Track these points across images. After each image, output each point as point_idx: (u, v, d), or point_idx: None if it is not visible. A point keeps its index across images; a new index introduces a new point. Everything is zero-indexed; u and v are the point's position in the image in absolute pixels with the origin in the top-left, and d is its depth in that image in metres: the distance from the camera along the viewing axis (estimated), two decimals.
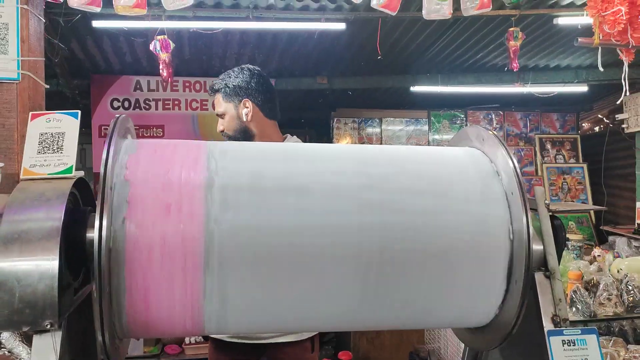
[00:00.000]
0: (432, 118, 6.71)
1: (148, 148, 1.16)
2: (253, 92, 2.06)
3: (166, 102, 5.21)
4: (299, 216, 1.07)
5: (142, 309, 1.05)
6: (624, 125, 5.59)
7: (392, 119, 6.67)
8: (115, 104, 5.18)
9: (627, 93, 2.34)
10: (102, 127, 5.17)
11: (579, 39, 2.29)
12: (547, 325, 1.20)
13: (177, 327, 1.11)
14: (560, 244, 1.29)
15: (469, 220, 1.15)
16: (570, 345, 1.19)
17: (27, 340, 1.35)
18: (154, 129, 5.16)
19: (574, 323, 1.23)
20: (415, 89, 5.54)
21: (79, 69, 5.01)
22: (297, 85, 5.46)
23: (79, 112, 1.24)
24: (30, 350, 1.28)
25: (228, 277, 1.04)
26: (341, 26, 3.65)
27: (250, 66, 2.14)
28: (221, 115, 2.08)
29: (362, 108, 6.56)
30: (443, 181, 1.19)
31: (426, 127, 6.69)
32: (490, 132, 1.30)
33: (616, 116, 5.74)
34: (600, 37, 2.09)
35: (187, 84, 5.27)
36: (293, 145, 1.27)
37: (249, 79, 2.07)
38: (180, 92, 5.25)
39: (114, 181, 1.05)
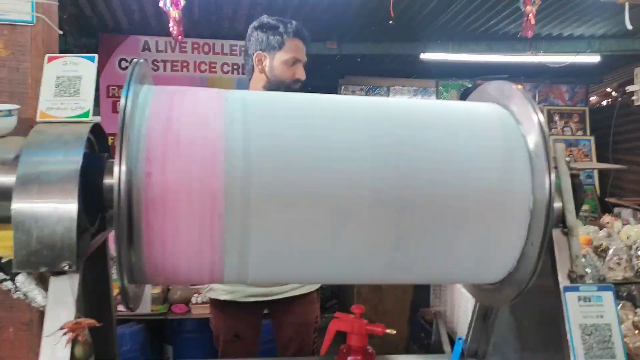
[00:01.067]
0: (440, 88, 6.65)
1: (167, 94, 1.14)
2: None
3: (174, 63, 5.16)
4: (319, 163, 1.06)
5: (161, 255, 1.05)
6: (634, 97, 5.53)
7: (400, 87, 6.61)
8: (124, 64, 5.12)
9: None
10: (110, 87, 5.13)
11: None
12: (563, 281, 1.20)
13: (196, 275, 1.10)
14: (579, 202, 1.28)
15: (490, 175, 1.14)
16: (586, 302, 1.19)
17: (43, 283, 1.35)
18: None
19: (579, 277, 1.23)
20: (425, 56, 5.46)
21: (87, 28, 4.95)
22: (307, 50, 5.38)
23: (96, 55, 1.22)
24: (46, 293, 1.28)
25: (249, 223, 1.03)
26: None
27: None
28: (304, 65, 2.04)
29: (370, 76, 6.49)
30: (465, 137, 1.17)
31: (434, 97, 6.64)
32: (515, 87, 1.27)
33: (626, 88, 5.67)
34: None
35: (196, 46, 5.20)
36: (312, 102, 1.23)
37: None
38: (188, 53, 5.18)
39: (133, 127, 1.03)
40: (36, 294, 1.25)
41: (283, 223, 1.06)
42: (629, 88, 5.50)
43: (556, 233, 1.21)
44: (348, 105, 1.19)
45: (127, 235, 0.99)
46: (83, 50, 4.96)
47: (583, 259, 2.18)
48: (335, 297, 5.37)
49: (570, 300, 1.19)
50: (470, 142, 1.15)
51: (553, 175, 1.12)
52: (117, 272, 1.02)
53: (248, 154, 1.03)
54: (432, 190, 1.09)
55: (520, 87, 1.28)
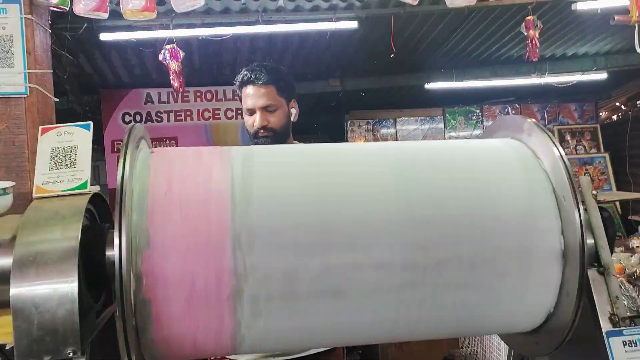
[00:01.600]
0: (448, 115, 6.61)
1: (166, 159, 1.09)
2: (296, 93, 2.00)
3: (178, 113, 5.19)
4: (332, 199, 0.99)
5: (170, 333, 0.98)
6: None
7: (406, 118, 6.59)
8: (127, 118, 5.16)
9: None
10: (115, 143, 5.16)
11: (616, 17, 2.18)
12: (605, 325, 1.11)
13: (210, 350, 1.03)
14: (611, 237, 1.19)
15: (516, 219, 1.07)
16: (632, 347, 1.10)
17: None
18: (167, 141, 5.14)
19: (622, 320, 1.14)
20: (430, 85, 5.45)
21: (89, 85, 5.01)
22: (311, 89, 5.41)
23: (91, 123, 1.17)
24: None
25: (259, 295, 0.96)
26: (353, 25, 3.58)
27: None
28: (269, 109, 1.91)
29: (376, 109, 6.49)
30: (487, 180, 1.11)
31: (442, 125, 6.60)
32: (531, 121, 1.21)
33: (637, 102, 5.60)
34: (637, 15, 1.98)
35: (199, 94, 5.24)
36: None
37: (292, 79, 2.00)
38: (191, 102, 5.22)
39: (132, 197, 0.97)
40: None
41: (294, 291, 0.98)
42: None
43: (592, 273, 1.12)
44: (369, 157, 1.13)
45: (132, 312, 0.92)
46: (86, 108, 5.02)
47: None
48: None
49: (615, 346, 1.10)
50: (493, 186, 1.08)
51: (582, 212, 1.04)
52: (121, 350, 0.95)
53: (253, 198, 0.97)
54: (459, 242, 1.02)
55: (535, 121, 1.22)
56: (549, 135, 1.15)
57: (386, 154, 1.14)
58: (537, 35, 3.26)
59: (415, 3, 2.17)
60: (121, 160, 0.99)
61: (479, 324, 1.16)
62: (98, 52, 4.16)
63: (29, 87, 1.20)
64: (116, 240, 0.90)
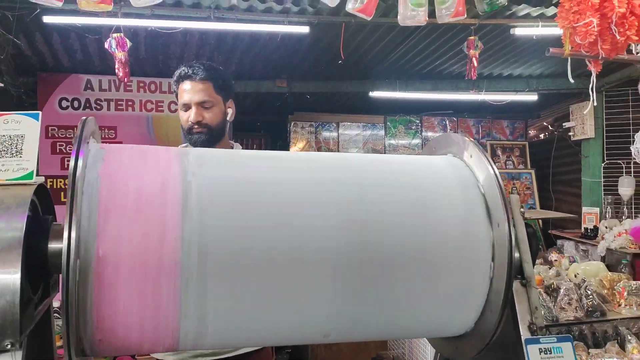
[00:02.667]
0: (389, 123, 6.78)
1: (119, 154, 1.09)
2: (233, 93, 2.00)
3: (119, 102, 5.03)
4: (278, 221, 1.03)
5: (112, 325, 0.98)
6: (570, 133, 5.82)
7: (349, 123, 6.71)
8: (64, 103, 4.96)
9: (595, 102, 2.40)
10: (50, 128, 4.94)
11: (550, 49, 2.34)
12: (525, 333, 1.20)
13: (150, 344, 1.04)
14: (534, 251, 1.30)
15: (451, 230, 1.14)
16: (547, 354, 1.20)
17: None
18: (106, 130, 4.97)
19: (540, 329, 1.25)
20: (374, 94, 5.58)
21: (26, 67, 4.77)
22: (257, 88, 5.40)
23: (40, 113, 1.15)
24: None
25: (206, 290, 0.99)
26: (305, 29, 3.62)
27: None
28: (205, 105, 1.89)
29: (320, 112, 6.56)
30: (423, 191, 1.18)
31: (382, 132, 6.77)
32: (469, 140, 1.30)
33: (563, 124, 5.97)
34: (570, 48, 2.14)
35: (142, 84, 5.11)
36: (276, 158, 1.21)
37: (230, 79, 2.00)
38: (134, 92, 5.08)
39: (84, 189, 0.97)
40: None
41: (240, 288, 1.01)
42: (566, 124, 5.80)
43: (515, 285, 1.21)
44: (309, 164, 1.18)
45: (76, 304, 0.92)
46: (21, 90, 4.79)
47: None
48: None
49: (532, 352, 1.19)
50: (432, 197, 1.16)
51: (512, 227, 1.13)
52: (64, 345, 0.95)
53: (205, 219, 0.99)
54: (395, 247, 1.08)
55: (474, 141, 1.31)
56: (484, 155, 1.23)
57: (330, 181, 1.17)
58: (477, 55, 3.43)
59: (370, 18, 2.24)
60: (74, 154, 0.99)
61: (411, 328, 1.23)
62: (39, 34, 3.98)
63: None
64: (65, 233, 0.90)
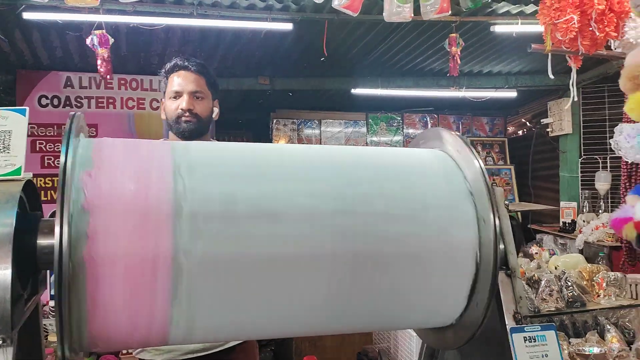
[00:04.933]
0: (370, 120, 6.82)
1: (108, 148, 1.09)
2: (219, 94, 2.04)
3: (100, 100, 4.98)
4: (268, 214, 1.04)
5: (103, 319, 0.98)
6: (548, 129, 5.92)
7: (331, 120, 6.73)
8: (44, 101, 4.89)
9: (575, 97, 2.45)
10: (29, 126, 4.86)
11: (532, 45, 2.38)
12: (510, 322, 1.23)
13: (140, 339, 1.05)
14: (518, 242, 1.33)
15: (437, 221, 1.16)
16: (531, 342, 1.23)
17: None
18: (87, 128, 4.90)
19: (524, 318, 1.28)
20: (356, 91, 5.61)
21: (4, 64, 4.69)
22: (239, 86, 5.38)
23: (27, 108, 1.15)
24: None
25: (197, 284, 0.99)
26: (288, 26, 3.63)
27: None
28: (197, 95, 1.91)
29: (302, 110, 6.57)
30: (410, 184, 1.20)
31: (364, 129, 6.80)
32: (454, 134, 1.32)
33: (541, 120, 6.07)
34: (551, 45, 2.19)
35: (123, 82, 5.06)
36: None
37: (217, 80, 2.04)
38: (115, 89, 5.02)
39: (73, 185, 0.97)
40: None
41: (231, 281, 1.02)
42: (544, 121, 5.89)
43: (500, 275, 1.24)
44: (300, 156, 1.19)
45: (68, 301, 0.92)
46: None
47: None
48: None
49: (516, 341, 1.22)
50: (419, 190, 1.17)
51: (497, 219, 1.16)
52: (57, 341, 0.95)
53: (196, 212, 1.00)
54: (382, 240, 1.10)
55: (459, 134, 1.33)
56: (470, 148, 1.26)
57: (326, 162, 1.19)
58: (459, 52, 3.47)
59: (356, 14, 2.26)
60: (63, 149, 0.98)
61: (399, 319, 1.25)
62: (18, 30, 3.91)
63: None
64: (57, 228, 0.90)
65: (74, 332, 0.96)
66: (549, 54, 2.29)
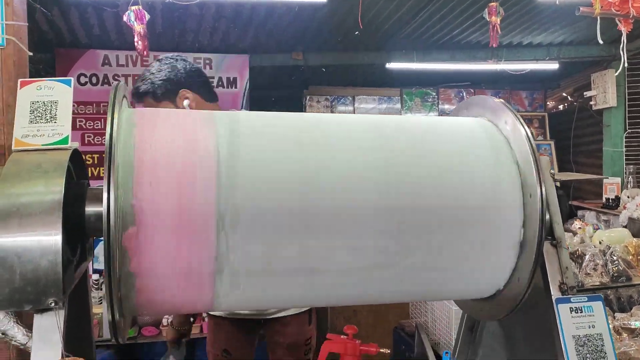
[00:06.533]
0: (405, 96, 6.72)
1: (152, 117, 1.11)
2: (186, 79, 1.83)
3: (136, 78, 5.04)
4: (314, 178, 1.04)
5: (152, 285, 1.00)
6: (591, 102, 5.73)
7: (364, 96, 6.66)
8: (82, 79, 4.98)
9: (626, 64, 2.35)
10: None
11: (580, 9, 2.27)
12: (555, 293, 1.21)
13: (188, 304, 1.07)
14: (564, 213, 1.29)
15: (481, 190, 1.14)
16: (577, 313, 1.20)
17: (22, 320, 1.28)
18: None
19: (570, 288, 1.25)
20: (391, 65, 5.52)
21: (43, 43, 4.79)
22: (272, 62, 5.37)
23: (72, 78, 1.17)
24: (25, 331, 1.22)
25: (242, 248, 1.00)
26: (322, 0, 3.57)
27: (169, 54, 1.92)
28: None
29: (335, 86, 6.52)
30: (454, 153, 1.17)
31: (398, 105, 6.71)
32: (498, 101, 1.29)
33: (584, 93, 5.87)
34: (600, 7, 2.09)
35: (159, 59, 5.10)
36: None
37: (176, 67, 1.84)
38: None
39: (120, 153, 0.99)
40: (16, 332, 1.18)
41: (276, 248, 1.03)
42: (587, 93, 5.70)
43: (546, 245, 1.21)
44: (345, 125, 1.17)
45: (118, 266, 0.94)
46: (39, 66, 4.81)
47: None
48: None
49: (562, 312, 1.20)
50: (465, 159, 1.15)
51: (544, 188, 1.13)
52: (107, 306, 0.97)
53: (238, 178, 1.00)
54: (428, 209, 1.08)
55: (504, 102, 1.29)
56: (516, 116, 1.22)
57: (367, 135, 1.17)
58: (498, 22, 3.36)
59: None
60: (109, 119, 1.00)
61: (443, 290, 1.24)
62: (57, 8, 3.98)
63: (6, 38, 1.17)
64: (105, 195, 0.92)
65: (122, 297, 0.99)
66: (597, 18, 2.19)
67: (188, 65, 1.88)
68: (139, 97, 1.84)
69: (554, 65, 5.73)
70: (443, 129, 1.23)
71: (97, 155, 4.89)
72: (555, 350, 1.17)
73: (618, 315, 2.10)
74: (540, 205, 1.12)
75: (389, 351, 1.32)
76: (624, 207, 4.11)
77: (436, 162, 1.13)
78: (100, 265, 3.13)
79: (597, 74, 5.60)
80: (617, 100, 5.41)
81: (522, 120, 1.22)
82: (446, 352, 1.59)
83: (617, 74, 2.80)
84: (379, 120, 1.24)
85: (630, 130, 5.46)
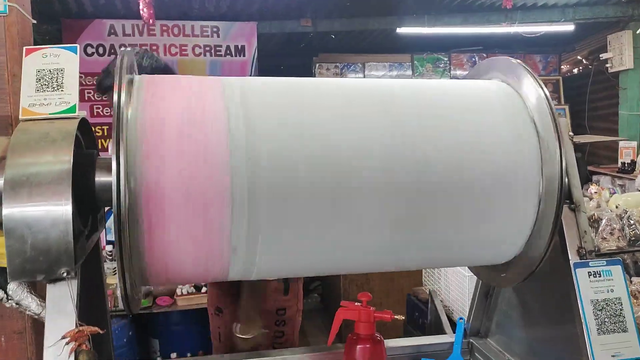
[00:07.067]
0: (416, 62, 6.61)
1: (160, 85, 1.08)
2: (147, 70, 1.82)
3: (143, 47, 4.99)
4: (326, 149, 1.01)
5: (163, 255, 0.99)
6: (607, 65, 5.59)
7: (375, 63, 6.55)
8: (89, 50, 4.93)
9: None
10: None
11: None
12: (573, 257, 1.19)
13: (200, 273, 1.06)
14: (582, 176, 1.26)
15: (498, 153, 1.11)
16: (596, 277, 1.19)
17: (36, 290, 1.29)
18: None
19: (589, 253, 1.23)
20: (402, 30, 5.41)
21: (49, 13, 4.73)
22: (281, 29, 5.28)
23: (78, 46, 1.14)
24: (39, 301, 1.22)
25: (256, 218, 0.98)
26: None
27: (138, 49, 1.97)
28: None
29: (345, 53, 6.41)
30: (473, 115, 1.14)
31: (409, 72, 6.61)
32: (515, 61, 1.24)
33: (600, 55, 5.72)
34: None
35: (165, 28, 5.03)
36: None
37: (141, 65, 1.83)
38: (157, 36, 5.01)
39: (128, 122, 0.96)
40: (30, 302, 1.19)
41: (291, 216, 1.01)
42: (603, 56, 5.56)
43: (564, 209, 1.18)
44: (359, 90, 1.14)
45: (128, 235, 0.93)
46: (45, 37, 4.76)
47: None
48: (318, 278, 5.29)
49: (580, 276, 1.18)
50: (481, 122, 1.12)
51: (563, 151, 1.10)
52: (118, 276, 0.97)
53: (252, 146, 0.98)
54: (445, 173, 1.06)
55: (522, 63, 1.25)
56: (534, 78, 1.18)
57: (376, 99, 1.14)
58: None
59: None
60: (116, 87, 0.97)
61: (459, 256, 1.22)
62: None
63: (9, 5, 1.14)
64: (114, 164, 0.90)
65: (134, 267, 0.98)
66: None
67: (155, 62, 1.88)
68: (103, 91, 1.87)
69: (569, 27, 5.58)
70: (458, 92, 1.19)
71: (107, 127, 4.87)
72: (574, 314, 1.16)
73: (635, 279, 2.09)
74: (560, 168, 1.09)
75: (403, 318, 1.31)
76: None
77: (455, 125, 1.10)
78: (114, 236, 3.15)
79: (613, 35, 5.44)
80: (634, 62, 5.27)
81: (540, 82, 1.18)
82: (460, 318, 1.59)
83: (637, 33, 2.70)
84: (392, 84, 1.20)
85: None
